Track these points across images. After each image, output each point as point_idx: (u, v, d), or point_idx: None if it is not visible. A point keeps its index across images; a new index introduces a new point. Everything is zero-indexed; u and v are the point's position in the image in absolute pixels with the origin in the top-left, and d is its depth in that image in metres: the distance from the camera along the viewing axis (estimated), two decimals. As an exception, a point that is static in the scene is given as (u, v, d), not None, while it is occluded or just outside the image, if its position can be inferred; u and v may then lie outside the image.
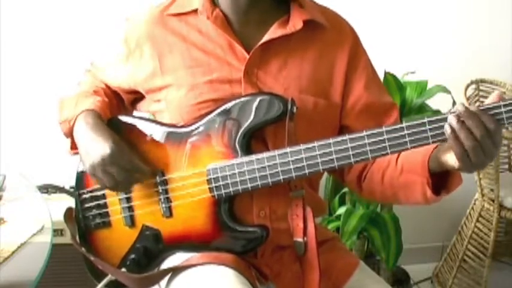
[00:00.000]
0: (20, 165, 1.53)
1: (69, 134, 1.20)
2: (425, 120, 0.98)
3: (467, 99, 2.16)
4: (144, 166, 1.12)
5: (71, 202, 1.27)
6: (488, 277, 2.22)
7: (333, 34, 1.17)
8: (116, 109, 1.25)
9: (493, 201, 2.16)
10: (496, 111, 0.94)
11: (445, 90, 1.98)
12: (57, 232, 1.61)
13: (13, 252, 1.14)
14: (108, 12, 2.00)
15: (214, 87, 1.12)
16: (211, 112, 1.11)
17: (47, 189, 1.78)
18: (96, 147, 1.10)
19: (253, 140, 1.10)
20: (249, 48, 1.12)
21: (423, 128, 0.98)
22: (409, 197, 1.11)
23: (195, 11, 1.15)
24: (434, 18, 2.33)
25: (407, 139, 0.99)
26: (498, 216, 2.16)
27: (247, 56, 1.11)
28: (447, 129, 0.95)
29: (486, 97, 2.30)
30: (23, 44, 2.01)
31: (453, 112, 0.95)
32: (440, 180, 1.05)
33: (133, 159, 1.11)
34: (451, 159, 0.98)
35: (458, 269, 2.32)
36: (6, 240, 1.18)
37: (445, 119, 0.96)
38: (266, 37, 1.11)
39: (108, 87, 1.28)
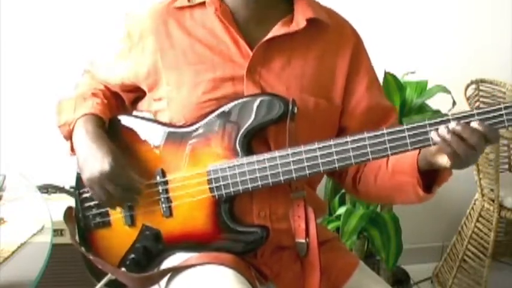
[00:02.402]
0: (20, 165, 1.53)
1: (69, 138, 1.20)
2: (426, 122, 0.99)
3: (467, 99, 2.16)
4: (142, 181, 1.12)
5: (71, 202, 1.27)
6: (488, 277, 2.22)
7: (335, 35, 1.17)
8: (115, 110, 1.25)
9: (493, 201, 2.16)
10: (497, 113, 0.96)
11: (445, 90, 1.98)
12: (57, 232, 1.61)
13: (13, 252, 1.14)
14: (108, 12, 2.00)
15: (216, 85, 1.12)
16: (212, 112, 1.11)
17: (47, 189, 1.77)
18: (95, 161, 1.10)
19: (255, 140, 1.10)
20: (252, 46, 1.12)
21: (424, 130, 0.99)
22: (403, 198, 1.13)
23: (202, 4, 1.15)
24: (434, 18, 2.33)
25: (408, 141, 1.00)
26: (498, 216, 2.16)
27: (251, 53, 1.11)
28: (436, 138, 0.97)
29: (486, 97, 2.32)
30: (23, 44, 2.01)
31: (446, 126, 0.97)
32: (431, 176, 1.06)
33: (131, 179, 1.10)
34: (442, 160, 1.00)
35: (458, 269, 2.32)
36: (6, 240, 1.17)
37: (445, 121, 0.97)
38: (270, 34, 1.12)
39: (107, 88, 1.27)
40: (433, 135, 0.98)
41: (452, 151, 0.96)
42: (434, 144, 0.99)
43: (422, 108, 1.99)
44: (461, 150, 0.96)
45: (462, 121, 0.97)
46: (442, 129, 0.97)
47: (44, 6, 2.00)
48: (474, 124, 0.96)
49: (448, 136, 0.96)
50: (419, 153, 1.05)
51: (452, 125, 0.96)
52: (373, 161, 1.05)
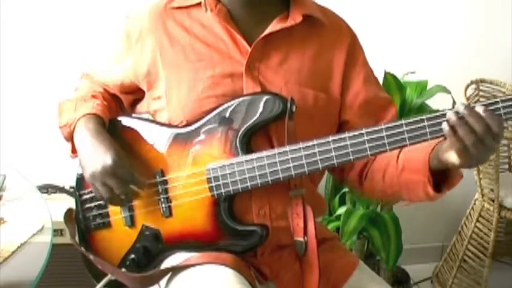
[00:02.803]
0: (20, 165, 1.53)
1: (70, 138, 1.20)
2: (424, 117, 0.99)
3: (467, 99, 2.16)
4: (143, 180, 1.12)
5: (71, 202, 1.27)
6: (488, 277, 2.22)
7: (331, 33, 1.19)
8: (114, 112, 1.25)
9: (493, 201, 2.16)
10: (495, 106, 0.95)
11: (445, 90, 1.98)
12: (57, 232, 1.61)
13: (13, 252, 1.15)
14: (108, 15, 2.00)
15: (216, 82, 1.12)
16: (212, 111, 1.11)
17: (47, 189, 1.78)
18: (97, 157, 1.10)
19: (258, 137, 1.10)
20: (250, 43, 1.13)
21: (421, 125, 0.99)
22: (411, 195, 1.12)
23: (198, 4, 1.16)
24: (434, 18, 2.33)
25: (406, 136, 1.00)
26: (498, 216, 2.16)
27: (249, 50, 1.12)
28: (445, 126, 0.95)
29: (486, 97, 2.32)
30: (23, 44, 2.01)
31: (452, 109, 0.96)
32: (441, 176, 1.06)
33: (133, 173, 1.10)
34: (451, 157, 0.98)
35: (458, 269, 2.32)
36: (6, 240, 1.18)
37: (443, 116, 0.97)
38: (267, 31, 1.13)
39: (106, 91, 1.28)
40: (443, 125, 0.95)
41: (460, 141, 0.94)
42: (443, 135, 0.97)
43: (423, 108, 1.99)
44: (468, 139, 0.93)
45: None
46: (450, 113, 0.95)
47: (44, 8, 2.00)
48: (479, 109, 0.94)
49: (455, 119, 0.94)
50: (431, 152, 1.04)
51: (460, 108, 0.95)
52: (371, 156, 1.05)
